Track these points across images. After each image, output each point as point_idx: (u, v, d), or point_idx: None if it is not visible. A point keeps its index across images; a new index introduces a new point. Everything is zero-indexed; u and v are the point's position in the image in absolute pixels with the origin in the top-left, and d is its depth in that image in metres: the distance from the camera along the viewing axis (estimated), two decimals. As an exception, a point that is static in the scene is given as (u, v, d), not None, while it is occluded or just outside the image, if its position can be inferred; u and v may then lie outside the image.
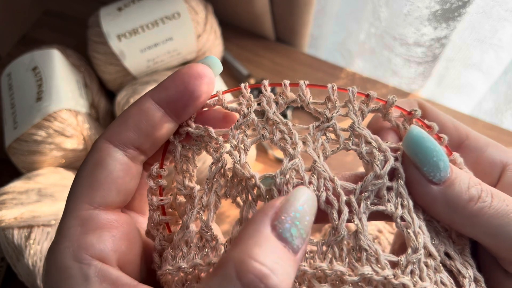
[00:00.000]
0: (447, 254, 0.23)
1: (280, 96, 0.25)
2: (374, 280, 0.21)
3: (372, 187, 0.22)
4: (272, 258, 0.18)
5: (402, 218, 0.22)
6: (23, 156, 0.57)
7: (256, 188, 0.23)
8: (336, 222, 0.22)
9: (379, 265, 0.21)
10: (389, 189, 0.23)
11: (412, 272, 0.21)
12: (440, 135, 0.24)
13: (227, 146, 0.24)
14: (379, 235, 0.49)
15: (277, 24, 0.74)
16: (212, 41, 0.67)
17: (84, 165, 0.24)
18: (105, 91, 0.69)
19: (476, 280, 0.22)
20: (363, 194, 0.22)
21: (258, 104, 0.25)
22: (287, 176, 0.22)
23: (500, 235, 0.21)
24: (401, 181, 0.23)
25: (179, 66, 0.68)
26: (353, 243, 0.22)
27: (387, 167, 0.22)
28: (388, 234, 0.49)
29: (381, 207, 0.22)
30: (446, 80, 0.72)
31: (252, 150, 0.64)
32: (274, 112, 0.25)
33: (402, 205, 0.22)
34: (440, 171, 0.22)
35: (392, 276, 0.20)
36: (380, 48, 0.69)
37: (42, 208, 0.52)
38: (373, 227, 0.50)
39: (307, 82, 0.25)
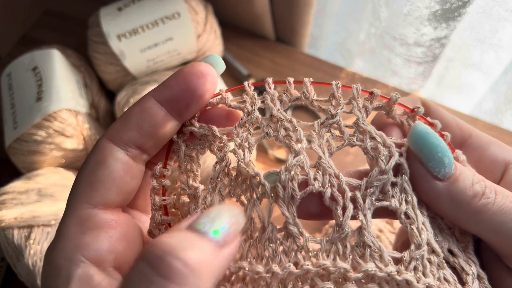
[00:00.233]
0: (450, 251, 0.23)
1: (284, 93, 0.25)
2: (378, 276, 0.21)
3: (378, 183, 0.22)
4: (182, 240, 0.18)
5: (406, 214, 0.22)
6: (23, 156, 0.57)
7: (261, 186, 0.23)
8: (341, 219, 0.22)
9: (382, 262, 0.21)
10: (393, 184, 0.23)
11: (415, 269, 0.21)
12: (442, 132, 0.24)
13: (231, 145, 0.24)
14: (380, 234, 0.49)
15: (277, 24, 0.74)
16: (212, 41, 0.67)
17: (85, 164, 0.24)
18: (105, 91, 0.69)
19: (479, 278, 0.22)
20: (368, 190, 0.22)
21: (262, 102, 0.25)
22: (292, 173, 0.22)
23: (504, 232, 0.21)
24: (406, 177, 0.23)
25: (179, 66, 0.68)
26: (356, 240, 0.22)
27: (392, 162, 0.22)
28: (389, 234, 0.49)
29: (385, 203, 0.22)
30: (446, 80, 0.72)
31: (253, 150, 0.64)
32: (278, 110, 0.25)
33: (406, 201, 0.22)
34: (444, 167, 0.22)
35: (396, 273, 0.20)
36: (380, 48, 0.69)
37: (42, 208, 0.52)
38: (373, 227, 0.50)
39: (311, 79, 0.25)
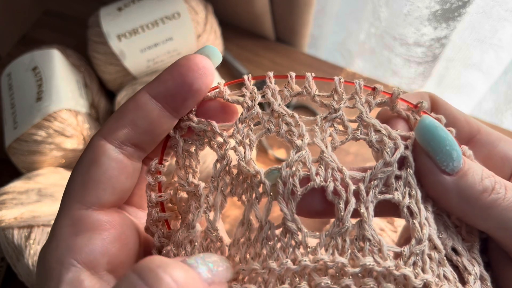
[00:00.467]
0: (454, 250, 0.22)
1: (286, 88, 0.25)
2: (375, 271, 0.20)
3: (382, 175, 0.22)
4: (175, 263, 0.18)
5: (409, 208, 0.22)
6: (23, 156, 0.57)
7: (261, 185, 0.22)
8: (342, 213, 0.21)
9: (381, 256, 0.21)
10: (397, 178, 0.22)
11: (414, 264, 0.21)
12: (448, 128, 0.23)
13: (232, 142, 0.24)
14: (381, 233, 0.49)
15: (277, 24, 0.74)
16: (212, 41, 0.67)
17: (78, 164, 0.23)
18: (105, 91, 0.69)
19: (482, 279, 0.22)
20: (372, 182, 0.22)
21: (262, 97, 0.24)
22: (293, 168, 0.22)
23: None
24: (410, 170, 0.22)
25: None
26: (356, 232, 0.21)
27: (397, 154, 0.22)
28: (391, 232, 0.49)
29: (388, 196, 0.22)
30: (446, 80, 0.72)
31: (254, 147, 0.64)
32: (279, 104, 0.24)
33: (410, 195, 0.22)
34: (453, 160, 0.21)
35: (394, 267, 0.20)
36: (380, 48, 0.69)
37: (42, 208, 0.52)
38: (374, 226, 0.50)
39: (313, 74, 0.25)
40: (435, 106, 0.25)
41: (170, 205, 0.25)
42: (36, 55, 0.63)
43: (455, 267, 0.22)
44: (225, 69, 0.73)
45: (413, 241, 0.21)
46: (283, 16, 0.71)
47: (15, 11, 0.79)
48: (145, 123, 0.23)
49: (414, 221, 0.21)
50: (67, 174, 0.58)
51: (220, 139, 0.24)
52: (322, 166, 0.22)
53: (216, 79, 0.28)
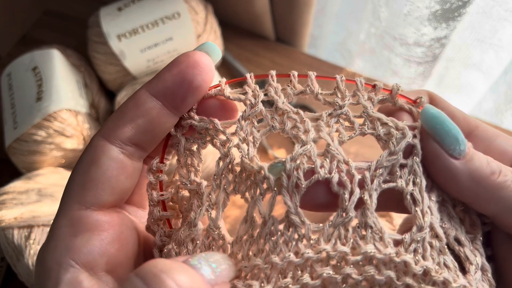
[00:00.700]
0: (457, 240, 0.22)
1: (288, 86, 0.25)
2: (376, 258, 0.20)
3: (387, 163, 0.22)
4: (178, 266, 0.18)
5: (412, 196, 0.22)
6: (23, 156, 0.57)
7: (265, 180, 0.22)
8: (346, 203, 0.21)
9: (382, 244, 0.21)
10: (402, 166, 0.22)
11: (415, 251, 0.21)
12: None
13: (235, 140, 0.24)
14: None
15: (277, 24, 0.74)
16: (212, 41, 0.67)
17: (78, 164, 0.23)
18: (105, 91, 0.69)
19: (483, 269, 0.22)
20: (377, 171, 0.22)
21: (265, 95, 0.24)
22: (298, 162, 0.22)
23: None
24: (417, 158, 0.22)
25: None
26: (359, 220, 0.21)
27: (403, 143, 0.22)
28: (389, 231, 0.49)
29: (391, 184, 0.22)
30: (446, 80, 0.72)
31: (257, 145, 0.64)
32: (283, 102, 0.24)
33: (414, 183, 0.22)
34: (459, 144, 0.22)
35: (394, 254, 0.20)
36: (380, 48, 0.69)
37: (42, 208, 0.52)
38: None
39: (315, 73, 0.25)
40: (433, 104, 0.25)
41: (171, 204, 0.25)
42: (36, 55, 0.63)
43: (457, 257, 0.22)
44: (225, 69, 0.73)
45: (414, 228, 0.21)
46: (283, 16, 0.71)
47: (15, 11, 0.79)
48: (146, 121, 0.23)
49: (416, 208, 0.22)
50: (67, 174, 0.58)
51: (222, 137, 0.24)
52: (327, 159, 0.22)
53: (216, 78, 0.29)
